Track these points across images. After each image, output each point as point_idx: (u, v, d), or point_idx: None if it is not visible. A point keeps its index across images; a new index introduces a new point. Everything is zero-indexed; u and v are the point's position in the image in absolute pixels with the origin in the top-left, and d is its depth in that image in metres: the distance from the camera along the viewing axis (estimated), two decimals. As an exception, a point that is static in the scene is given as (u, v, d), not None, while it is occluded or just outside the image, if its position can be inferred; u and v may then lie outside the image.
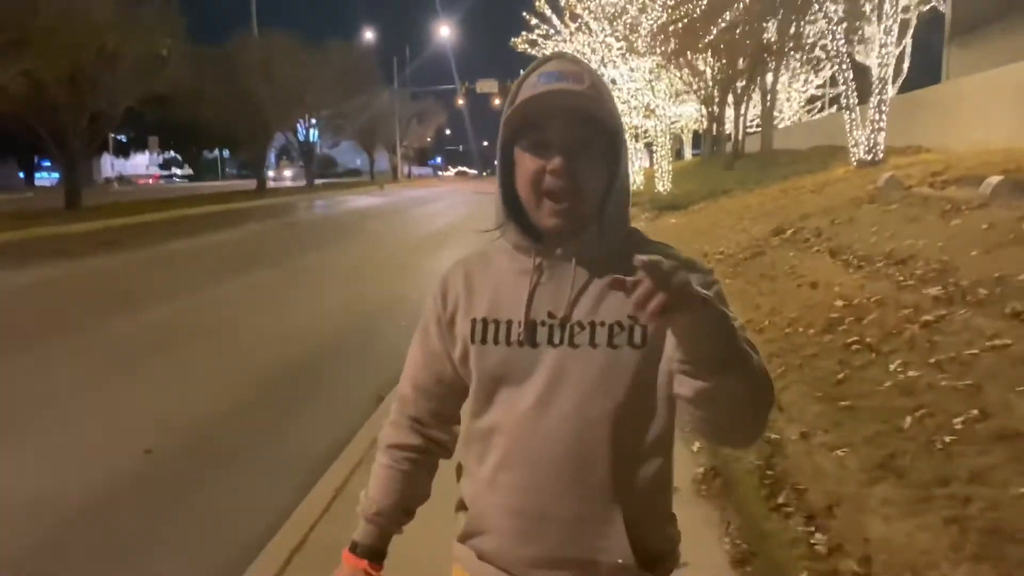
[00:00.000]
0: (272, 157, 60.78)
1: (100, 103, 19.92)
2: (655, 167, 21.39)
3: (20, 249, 13.78)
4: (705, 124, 30.12)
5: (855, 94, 13.34)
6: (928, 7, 23.72)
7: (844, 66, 13.30)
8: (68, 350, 6.63)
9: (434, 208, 28.31)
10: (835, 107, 29.23)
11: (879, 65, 12.81)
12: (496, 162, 1.23)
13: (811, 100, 37.96)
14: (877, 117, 12.67)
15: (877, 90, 12.72)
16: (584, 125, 1.14)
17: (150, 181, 77.62)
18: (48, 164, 68.79)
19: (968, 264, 5.02)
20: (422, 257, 13.31)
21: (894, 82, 25.47)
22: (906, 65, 25.54)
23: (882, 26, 12.73)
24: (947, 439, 3.03)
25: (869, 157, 12.64)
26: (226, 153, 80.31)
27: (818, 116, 34.42)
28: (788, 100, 39.00)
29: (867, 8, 15.06)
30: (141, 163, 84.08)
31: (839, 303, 5.17)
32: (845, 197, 9.21)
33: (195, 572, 3.09)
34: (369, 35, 51.38)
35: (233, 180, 66.90)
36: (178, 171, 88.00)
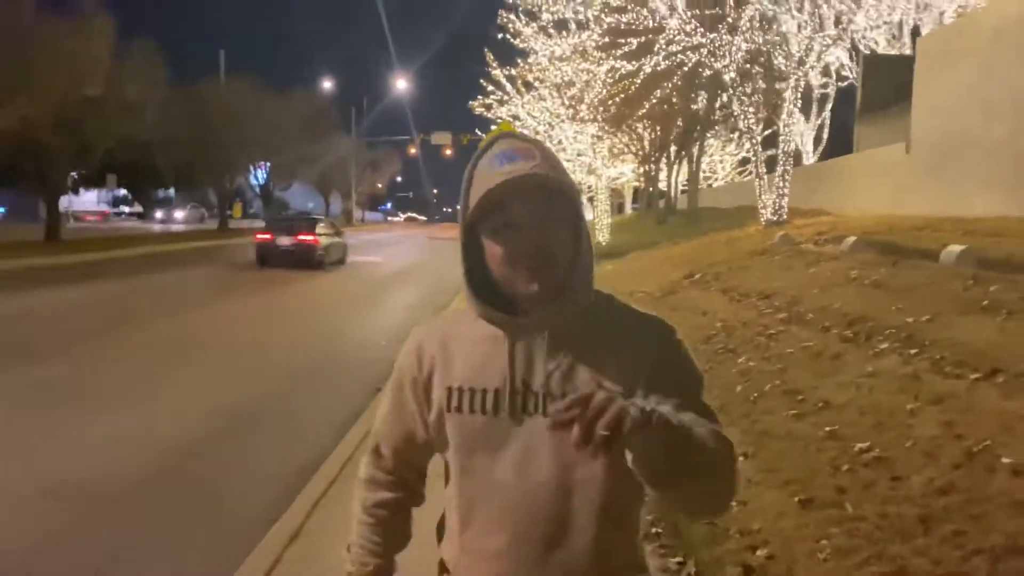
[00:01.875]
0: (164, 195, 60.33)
1: (83, 144, 21.30)
2: (596, 220, 23.53)
3: (20, 276, 15.02)
4: (643, 183, 32.66)
5: (763, 165, 15.64)
6: (846, 83, 26.61)
7: (754, 141, 15.61)
8: (98, 355, 8.12)
9: (393, 251, 29.98)
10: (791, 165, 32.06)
11: (782, 142, 15.12)
12: (460, 243, 1.24)
13: (743, 162, 41.05)
14: (781, 184, 14.92)
15: (782, 162, 15.01)
16: (548, 199, 1.18)
17: (97, 219, 76.93)
18: (-3, 199, 68.32)
19: (808, 298, 7.00)
20: (392, 292, 15.07)
21: (815, 151, 28.34)
22: (825, 135, 28.41)
23: (785, 108, 15.06)
24: (755, 396, 4.91)
25: (775, 218, 14.84)
26: (171, 192, 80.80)
27: (748, 178, 37.42)
28: (721, 162, 42.05)
29: (781, 89, 17.46)
30: (89, 200, 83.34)
31: (718, 324, 7.11)
32: (745, 250, 11.29)
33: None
34: (328, 84, 53.22)
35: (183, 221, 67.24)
36: (126, 209, 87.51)
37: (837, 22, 15.41)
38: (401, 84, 57.31)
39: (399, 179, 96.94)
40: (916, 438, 3.55)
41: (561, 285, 1.19)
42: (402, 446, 1.35)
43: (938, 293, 5.87)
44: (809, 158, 27.95)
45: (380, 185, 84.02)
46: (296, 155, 43.28)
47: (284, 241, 19.41)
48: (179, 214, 56.96)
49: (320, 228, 20.07)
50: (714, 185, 40.81)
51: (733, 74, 14.44)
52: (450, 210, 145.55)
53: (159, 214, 56.16)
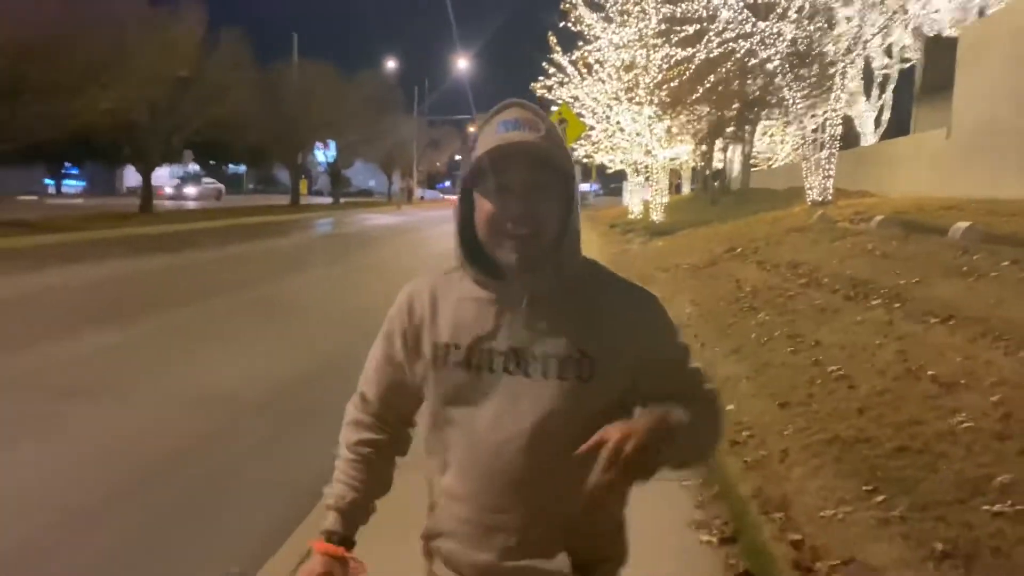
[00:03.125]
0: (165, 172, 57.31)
1: (174, 124, 23.27)
2: (652, 199, 24.46)
3: (129, 243, 16.86)
4: (700, 163, 33.30)
5: (811, 147, 16.41)
6: (908, 65, 26.73)
7: (802, 125, 16.39)
8: (221, 307, 9.63)
9: (452, 227, 31.40)
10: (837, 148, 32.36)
11: (829, 125, 15.86)
12: (456, 204, 1.32)
13: (813, 141, 41.09)
14: (827, 167, 15.71)
15: (828, 146, 15.77)
16: (540, 169, 1.25)
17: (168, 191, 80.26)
18: (76, 172, 72.23)
19: (828, 266, 8.04)
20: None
21: (875, 131, 28.50)
22: (886, 116, 28.60)
23: (833, 95, 15.79)
24: (765, 339, 6.05)
25: (820, 199, 15.64)
26: (241, 168, 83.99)
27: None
28: (782, 143, 42.24)
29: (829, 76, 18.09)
30: (163, 176, 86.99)
31: (748, 289, 8.20)
32: (785, 227, 12.24)
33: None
34: (392, 65, 54.75)
35: (255, 195, 70.03)
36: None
37: (895, 10, 15.96)
38: (462, 64, 58.54)
39: (457, 157, 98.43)
40: (875, 362, 4.67)
41: (542, 256, 1.26)
42: (389, 392, 1.42)
43: (932, 262, 6.88)
44: (868, 139, 27.99)
45: (439, 163, 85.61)
46: (362, 134, 44.98)
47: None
48: (191, 190, 50.05)
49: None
50: (773, 166, 41.15)
51: (778, 62, 15.20)
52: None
53: (168, 189, 48.74)
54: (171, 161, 53.96)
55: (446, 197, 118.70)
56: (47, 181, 67.09)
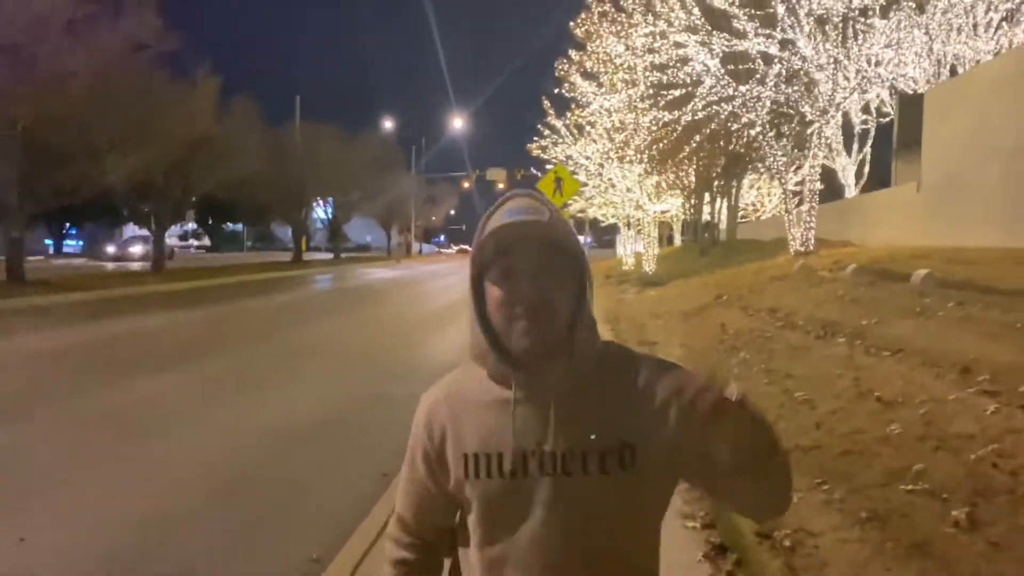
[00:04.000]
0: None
1: (186, 186, 24.45)
2: (644, 252, 25.55)
3: (150, 300, 17.74)
4: (689, 216, 34.55)
5: (793, 202, 17.48)
6: (887, 119, 28.12)
7: (783, 181, 17.50)
8: (249, 354, 10.47)
9: (452, 280, 32.34)
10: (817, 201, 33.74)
11: (808, 180, 16.96)
12: (470, 295, 1.30)
13: (795, 194, 42.59)
14: (808, 219, 16.75)
15: (808, 200, 16.84)
16: (548, 251, 1.23)
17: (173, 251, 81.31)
18: (75, 232, 73.59)
19: (803, 311, 8.94)
20: (462, 311, 17.30)
21: (857, 184, 29.79)
22: (867, 170, 29.94)
23: (811, 152, 16.92)
24: (745, 374, 6.91)
25: (803, 249, 16.65)
26: (238, 226, 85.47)
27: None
28: (769, 195, 43.67)
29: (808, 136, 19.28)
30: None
31: (731, 331, 9.09)
32: (768, 276, 13.19)
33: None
34: (391, 125, 56.50)
35: (253, 252, 71.19)
36: (195, 242, 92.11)
37: (860, 71, 17.19)
38: (457, 123, 60.40)
39: (451, 212, 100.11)
40: (833, 389, 5.54)
41: (556, 340, 1.23)
42: (420, 511, 1.41)
43: (892, 305, 7.79)
44: (851, 191, 29.26)
45: (434, 218, 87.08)
46: (363, 191, 46.33)
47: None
48: (136, 249, 43.60)
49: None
50: (762, 218, 42.50)
51: (760, 125, 16.36)
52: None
53: (111, 248, 44.60)
54: (180, 221, 55.09)
55: (442, 251, 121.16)
56: (47, 241, 68.32)
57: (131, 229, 71.15)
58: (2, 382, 8.45)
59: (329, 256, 50.17)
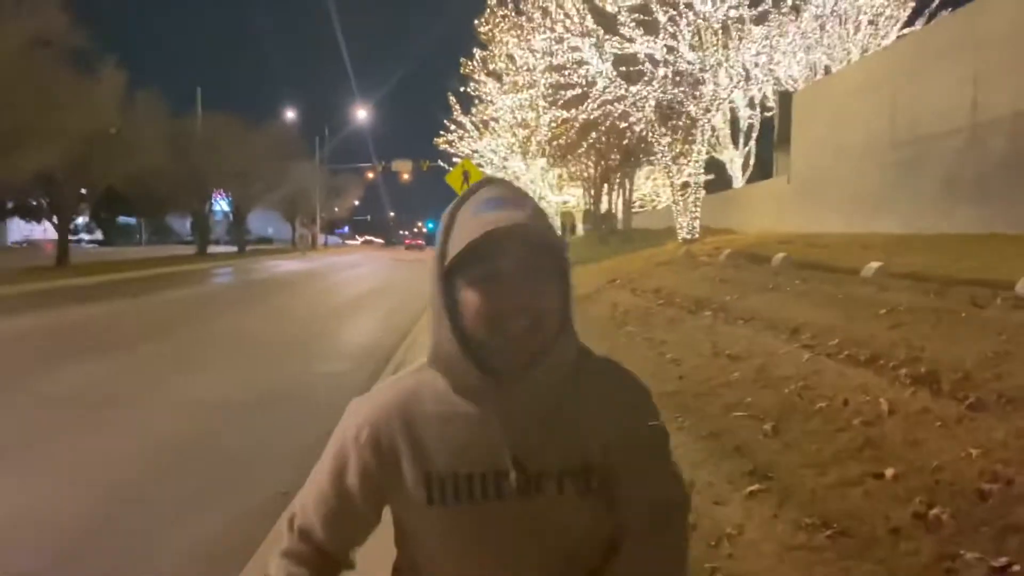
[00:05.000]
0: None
1: (90, 180, 24.19)
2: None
3: (58, 294, 17.73)
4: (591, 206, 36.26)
5: (680, 192, 19.09)
6: (771, 113, 30.29)
7: (670, 174, 19.08)
8: (168, 344, 11.09)
9: (362, 271, 32.94)
10: (703, 192, 36.00)
11: (692, 174, 18.57)
12: (434, 295, 1.15)
13: (684, 186, 45.02)
14: (693, 209, 18.38)
15: (692, 191, 18.44)
16: (536, 253, 1.12)
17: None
18: (-45, 225, 69.63)
19: (681, 290, 10.30)
20: (375, 299, 18.14)
21: (743, 175, 31.96)
22: (752, 161, 32.18)
23: (695, 148, 18.52)
24: (629, 343, 8.14)
25: (689, 236, 18.26)
26: (132, 219, 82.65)
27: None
28: (664, 186, 45.93)
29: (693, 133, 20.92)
30: (45, 228, 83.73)
31: (621, 309, 10.36)
32: (656, 261, 14.64)
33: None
34: (293, 116, 56.06)
35: (150, 246, 69.07)
36: (86, 236, 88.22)
37: (737, 75, 18.89)
38: (362, 114, 60.48)
39: (356, 203, 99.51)
40: (697, 350, 6.81)
41: (542, 350, 1.14)
42: (336, 528, 1.26)
43: (752, 283, 9.21)
44: (738, 182, 31.36)
45: (337, 209, 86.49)
46: (266, 182, 46.03)
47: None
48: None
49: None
50: (658, 207, 44.72)
51: (645, 122, 17.82)
52: (406, 233, 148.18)
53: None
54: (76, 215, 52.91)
55: (347, 242, 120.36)
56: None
57: (15, 224, 67.96)
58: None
59: (233, 249, 49.55)
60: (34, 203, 25.12)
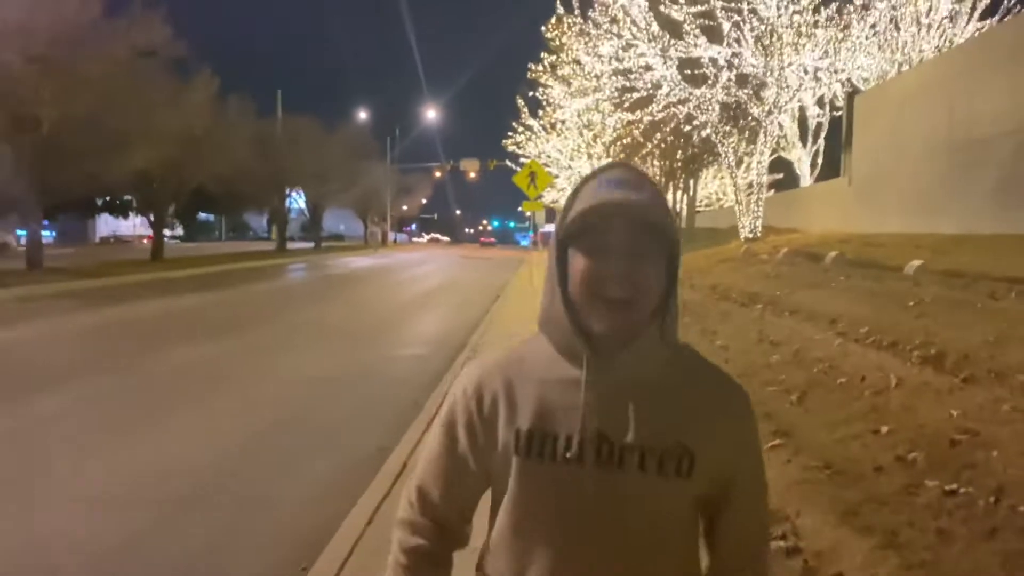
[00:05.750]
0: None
1: (184, 179, 26.14)
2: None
3: (157, 286, 19.40)
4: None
5: (744, 192, 19.57)
6: (839, 113, 30.29)
7: (734, 175, 19.58)
8: (272, 331, 12.30)
9: (430, 268, 34.19)
10: (771, 191, 35.98)
11: (756, 174, 19.05)
12: (551, 262, 1.22)
13: (748, 186, 45.02)
14: (755, 209, 18.86)
15: (756, 191, 18.93)
16: (643, 232, 1.15)
17: (144, 241, 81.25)
18: (47, 223, 73.73)
19: (736, 286, 10.98)
20: (445, 295, 19.25)
21: (812, 174, 31.96)
22: (820, 160, 32.17)
23: (759, 149, 18.99)
24: (687, 333, 8.90)
25: (751, 235, 18.76)
26: (210, 216, 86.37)
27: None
28: (731, 185, 45.97)
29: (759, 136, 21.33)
30: (130, 223, 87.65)
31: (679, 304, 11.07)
32: (716, 259, 15.27)
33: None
34: (366, 116, 57.96)
35: (230, 242, 72.19)
36: (168, 232, 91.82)
37: (802, 82, 19.24)
38: (431, 114, 62.04)
39: (424, 201, 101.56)
40: (744, 338, 7.55)
41: (638, 326, 1.17)
42: (451, 488, 1.30)
43: (803, 279, 9.85)
44: (806, 181, 31.38)
45: (405, 208, 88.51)
46: (339, 183, 47.89)
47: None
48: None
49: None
50: (724, 206, 44.88)
51: (710, 125, 18.39)
52: (472, 231, 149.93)
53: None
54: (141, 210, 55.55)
55: (413, 240, 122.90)
56: (19, 232, 68.38)
57: (103, 220, 71.63)
58: (93, 346, 10.18)
59: (309, 245, 51.64)
60: (118, 201, 26.87)
